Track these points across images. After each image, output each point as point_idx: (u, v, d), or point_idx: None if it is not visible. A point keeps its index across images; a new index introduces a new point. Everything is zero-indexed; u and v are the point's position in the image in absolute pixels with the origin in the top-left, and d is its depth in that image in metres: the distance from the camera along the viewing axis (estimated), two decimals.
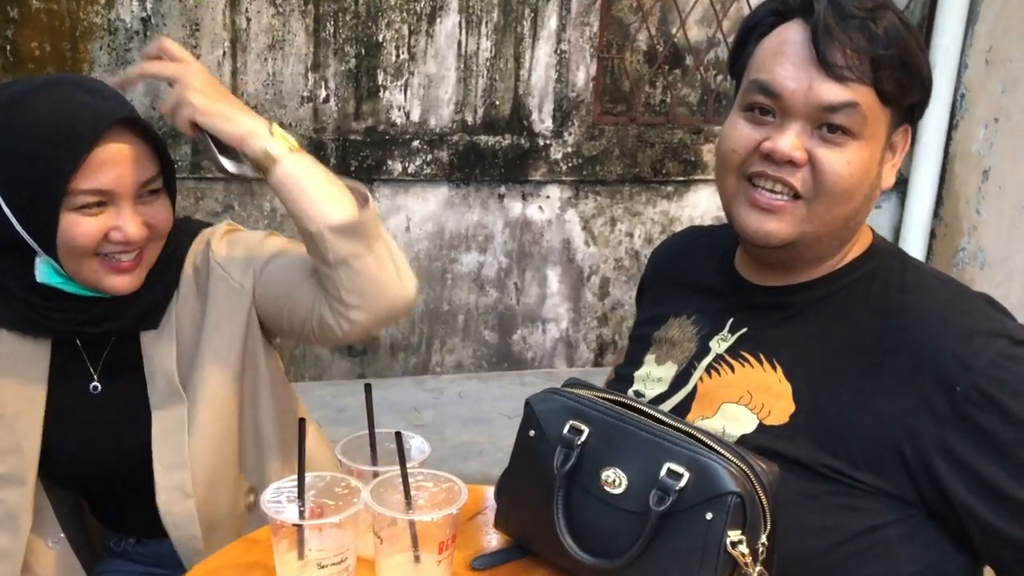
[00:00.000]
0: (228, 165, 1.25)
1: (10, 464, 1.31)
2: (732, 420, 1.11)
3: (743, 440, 1.08)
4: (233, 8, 2.97)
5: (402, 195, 3.29)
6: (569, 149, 3.41)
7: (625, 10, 3.43)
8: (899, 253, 1.17)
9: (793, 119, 1.05)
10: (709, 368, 1.17)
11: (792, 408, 1.07)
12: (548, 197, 3.48)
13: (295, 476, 1.05)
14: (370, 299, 1.26)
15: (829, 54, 1.02)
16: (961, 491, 1.00)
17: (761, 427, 1.09)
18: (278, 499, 1.06)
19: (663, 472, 0.97)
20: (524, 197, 3.46)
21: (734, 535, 0.93)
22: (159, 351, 1.33)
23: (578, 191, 3.51)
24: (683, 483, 0.95)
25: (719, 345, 1.18)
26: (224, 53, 3.00)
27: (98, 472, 1.37)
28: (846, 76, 1.02)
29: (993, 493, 0.99)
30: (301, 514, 1.04)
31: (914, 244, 3.64)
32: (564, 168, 3.43)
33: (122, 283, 1.25)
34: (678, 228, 3.63)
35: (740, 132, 1.09)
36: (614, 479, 1.01)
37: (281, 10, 3.02)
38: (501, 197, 3.43)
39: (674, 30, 3.49)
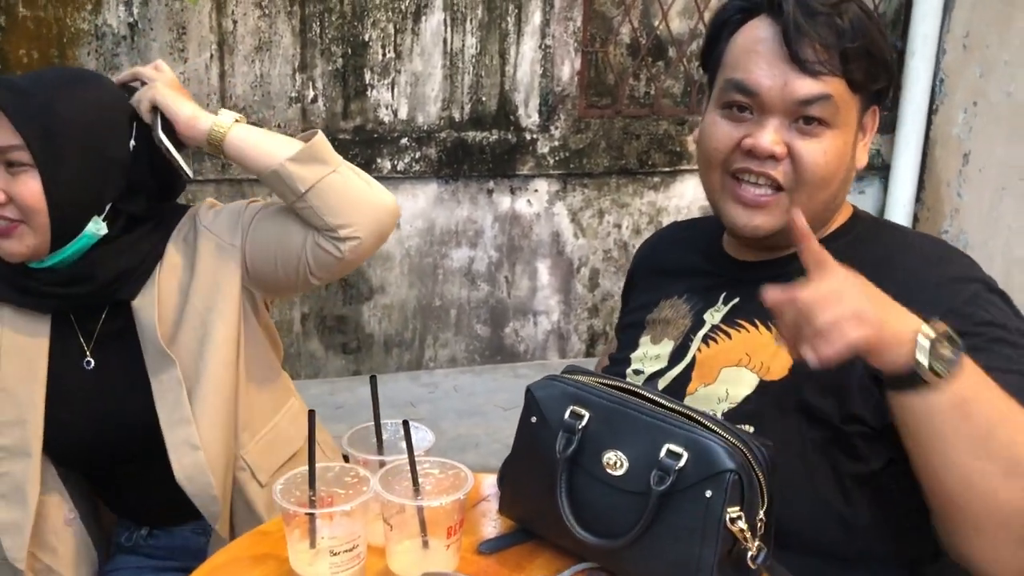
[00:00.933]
0: (165, 140, 1.36)
1: (15, 436, 1.35)
2: (733, 383, 1.15)
3: (748, 399, 1.12)
4: (219, 11, 2.99)
5: (392, 193, 3.30)
6: (556, 143, 3.44)
7: (608, 4, 3.46)
8: (879, 220, 1.24)
9: (771, 115, 1.10)
10: (706, 338, 1.21)
11: (791, 363, 1.12)
12: (536, 191, 3.51)
13: (306, 467, 1.08)
14: (353, 212, 1.35)
15: (801, 51, 1.07)
16: None
17: (763, 384, 1.12)
18: (289, 489, 1.08)
19: (663, 453, 0.99)
20: (512, 191, 3.49)
21: (733, 511, 0.95)
22: (147, 318, 1.37)
23: (566, 184, 3.54)
24: (682, 463, 0.97)
25: (713, 317, 1.22)
26: (211, 56, 3.02)
27: (102, 447, 1.40)
28: (819, 71, 1.07)
29: None
30: (312, 503, 1.06)
31: None
32: (551, 162, 3.46)
33: (3, 246, 1.29)
34: (665, 218, 3.67)
35: (721, 130, 1.14)
36: (615, 461, 1.03)
37: (267, 12, 3.04)
38: (490, 192, 3.46)
39: (656, 22, 3.52)
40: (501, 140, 3.37)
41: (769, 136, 1.09)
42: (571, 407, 1.09)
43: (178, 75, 2.94)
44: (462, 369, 3.52)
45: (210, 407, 1.38)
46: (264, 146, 1.36)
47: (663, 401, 1.06)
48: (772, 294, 0.96)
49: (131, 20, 2.92)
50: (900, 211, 3.69)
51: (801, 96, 1.08)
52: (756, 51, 1.10)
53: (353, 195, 1.35)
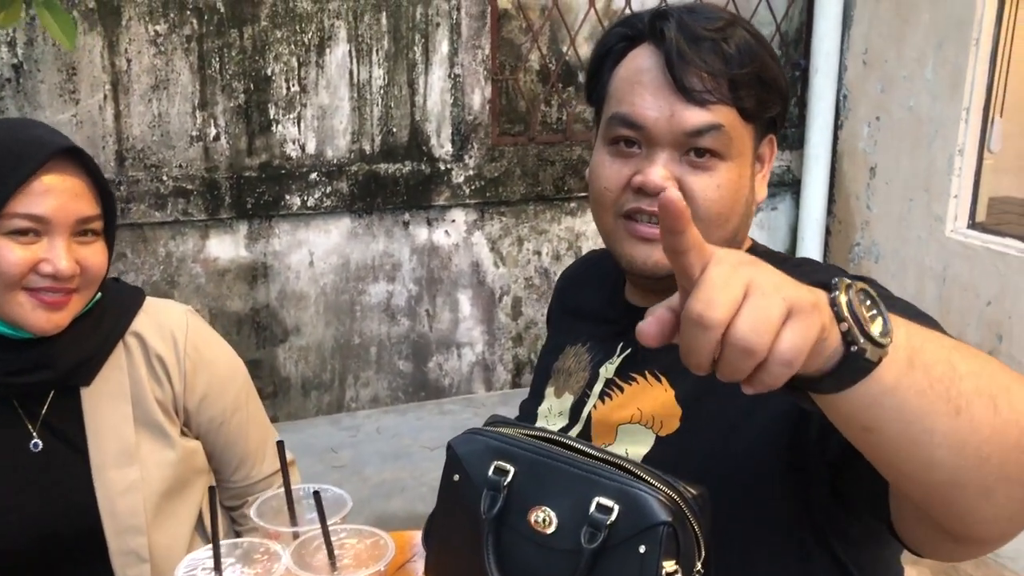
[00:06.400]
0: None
1: None
2: (631, 442, 1.10)
3: (647, 459, 1.07)
4: (111, 50, 2.86)
5: (303, 229, 3.22)
6: (471, 172, 3.40)
7: (515, 31, 3.45)
8: (773, 253, 1.17)
9: (659, 148, 1.04)
10: (602, 394, 1.16)
11: (679, 412, 1.07)
12: (454, 221, 3.46)
13: (211, 546, 1.00)
14: None
15: (686, 79, 1.01)
16: None
17: (658, 441, 1.07)
18: (193, 571, 1.00)
19: (592, 507, 0.94)
20: (429, 223, 3.43)
21: (669, 566, 0.90)
22: (109, 410, 1.29)
23: (483, 213, 3.50)
24: (613, 517, 0.93)
25: (607, 370, 1.17)
26: (105, 96, 2.88)
27: (43, 538, 1.29)
28: (706, 99, 1.01)
29: None
30: None
31: (811, 242, 3.76)
32: (467, 191, 3.41)
33: (47, 321, 1.21)
34: (584, 243, 3.66)
35: (609, 169, 1.08)
36: (544, 518, 0.98)
37: (163, 49, 2.92)
38: (406, 224, 3.39)
39: (564, 48, 3.52)
40: (415, 171, 3.31)
41: (658, 171, 1.03)
42: (495, 462, 1.03)
43: (69, 118, 2.83)
44: (385, 409, 3.43)
45: (171, 519, 1.31)
46: None
47: (590, 450, 1.01)
48: (647, 329, 0.71)
49: (15, 62, 2.77)
50: (813, 225, 3.75)
51: (689, 127, 1.02)
52: (640, 82, 1.04)
53: None
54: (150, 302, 1.38)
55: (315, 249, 3.26)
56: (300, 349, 3.32)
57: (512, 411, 1.31)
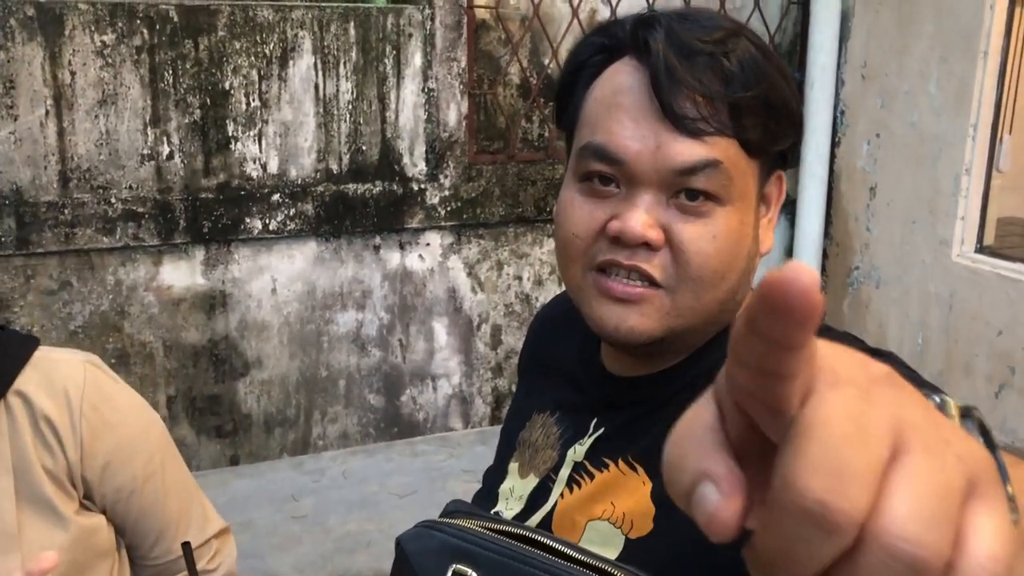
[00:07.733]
0: None
1: None
2: (600, 542, 0.89)
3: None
4: (54, 61, 2.64)
5: (265, 254, 3.00)
6: (446, 192, 3.19)
7: (494, 43, 3.25)
8: None
9: (642, 188, 0.83)
10: (570, 481, 0.96)
11: (653, 511, 0.86)
12: (428, 244, 3.25)
13: None
14: None
15: (676, 104, 0.80)
16: None
17: (628, 544, 0.87)
18: None
19: None
20: (402, 246, 3.21)
21: None
22: None
23: (460, 236, 3.29)
24: None
25: (576, 452, 0.97)
26: (47, 112, 2.66)
27: None
28: (701, 129, 0.81)
29: None
30: None
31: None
32: (443, 213, 3.20)
33: None
34: None
35: (580, 211, 0.87)
36: None
37: (111, 61, 2.70)
38: (376, 248, 3.17)
39: (546, 61, 3.33)
40: (386, 192, 3.10)
41: (640, 218, 0.82)
42: (453, 565, 0.83)
43: (7, 135, 2.60)
44: (353, 450, 3.19)
45: None
46: None
47: (570, 551, 0.79)
48: (723, 517, 0.34)
49: None
50: (809, 247, 3.56)
51: (680, 163, 0.81)
52: (619, 105, 0.83)
53: None
54: (41, 354, 1.15)
55: (278, 276, 3.04)
56: (262, 383, 3.09)
57: (490, 451, 1.11)
